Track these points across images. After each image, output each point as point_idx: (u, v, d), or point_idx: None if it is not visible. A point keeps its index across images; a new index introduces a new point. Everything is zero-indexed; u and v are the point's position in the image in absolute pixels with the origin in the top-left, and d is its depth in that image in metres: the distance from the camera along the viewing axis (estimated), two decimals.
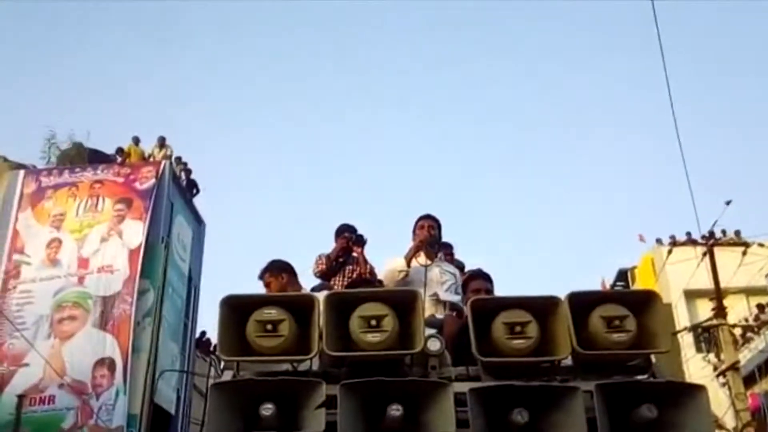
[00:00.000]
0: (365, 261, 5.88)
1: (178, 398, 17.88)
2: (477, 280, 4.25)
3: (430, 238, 5.04)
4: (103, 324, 16.32)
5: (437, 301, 4.73)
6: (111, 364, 15.92)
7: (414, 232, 5.17)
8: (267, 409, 2.55)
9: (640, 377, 2.89)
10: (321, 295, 2.94)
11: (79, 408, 15.49)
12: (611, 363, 2.89)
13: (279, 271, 4.85)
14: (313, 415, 2.60)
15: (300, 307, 2.81)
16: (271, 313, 2.74)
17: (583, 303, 2.85)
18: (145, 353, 16.37)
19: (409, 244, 5.09)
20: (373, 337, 2.75)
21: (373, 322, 2.76)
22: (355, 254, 5.97)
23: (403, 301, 2.87)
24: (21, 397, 14.61)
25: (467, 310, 2.93)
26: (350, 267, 6.03)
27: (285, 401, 2.62)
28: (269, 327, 2.72)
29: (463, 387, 2.69)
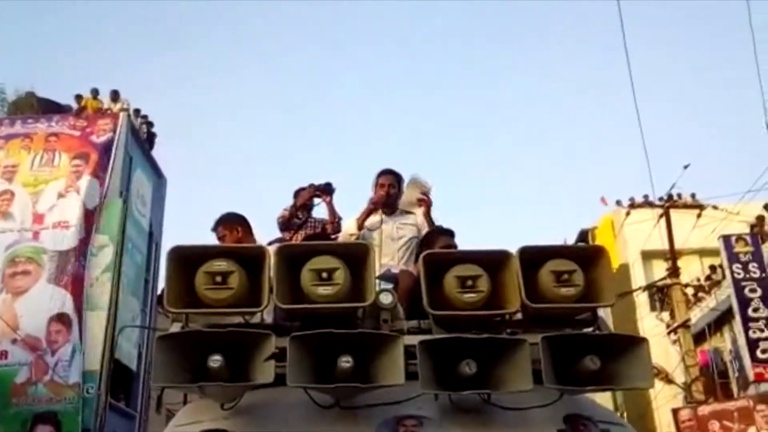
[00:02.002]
0: (333, 210, 5.82)
1: (139, 354, 17.82)
2: (439, 237, 4.26)
3: (386, 198, 5.03)
4: (57, 280, 16.09)
5: (392, 256, 4.74)
6: (66, 320, 15.76)
7: (374, 188, 5.16)
8: (215, 361, 2.54)
9: (586, 330, 2.93)
10: (272, 248, 2.92)
11: (33, 363, 15.34)
12: (559, 316, 2.92)
13: (233, 224, 4.78)
14: (263, 367, 2.59)
15: (250, 260, 2.78)
16: (221, 264, 2.71)
17: (533, 257, 2.87)
18: (104, 309, 16.23)
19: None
20: (324, 290, 2.74)
21: (324, 275, 2.75)
22: (324, 203, 5.90)
23: (354, 254, 2.86)
24: None
25: (420, 264, 2.93)
26: (311, 224, 5.99)
27: (234, 353, 2.61)
28: (218, 279, 2.69)
29: (414, 340, 2.70)
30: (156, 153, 19.99)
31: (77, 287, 16.00)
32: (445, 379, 2.67)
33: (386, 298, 2.93)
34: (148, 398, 17.70)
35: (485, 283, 2.82)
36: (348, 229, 4.98)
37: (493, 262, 2.87)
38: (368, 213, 5.00)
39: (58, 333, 15.64)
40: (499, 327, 2.89)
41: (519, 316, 2.95)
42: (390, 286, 3.93)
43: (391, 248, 4.81)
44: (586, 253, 2.94)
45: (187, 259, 2.76)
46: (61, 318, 15.79)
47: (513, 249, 2.87)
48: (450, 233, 4.31)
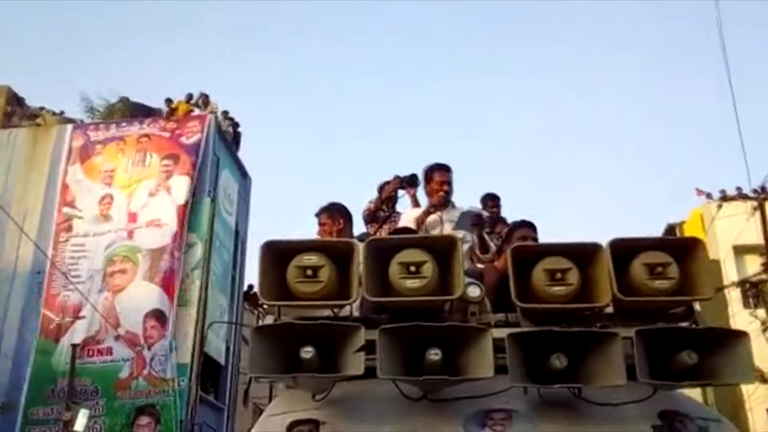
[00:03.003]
0: (418, 203, 5.81)
1: (227, 349, 18.38)
2: (521, 229, 4.22)
3: (445, 198, 5.03)
4: (152, 277, 16.76)
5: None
6: (161, 316, 16.42)
7: (426, 182, 5.15)
8: (307, 352, 2.60)
9: (681, 324, 2.85)
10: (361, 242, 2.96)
11: (134, 359, 16.06)
12: (653, 310, 2.85)
13: (339, 215, 4.85)
14: (353, 359, 2.64)
15: (340, 254, 2.83)
16: (311, 258, 2.77)
17: (625, 250, 2.80)
18: (194, 305, 16.81)
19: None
20: (412, 283, 2.76)
21: (413, 269, 2.77)
22: (408, 196, 5.93)
23: (442, 247, 2.87)
24: (75, 347, 15.18)
25: (508, 257, 2.91)
26: (396, 217, 6.02)
27: (325, 345, 2.66)
28: (309, 272, 2.75)
29: (502, 333, 2.69)
30: (241, 153, 20.55)
31: (170, 284, 16.63)
32: (535, 372, 2.65)
33: (474, 291, 2.93)
34: (236, 392, 18.24)
35: (575, 276, 2.78)
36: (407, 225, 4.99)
37: (582, 255, 2.83)
38: (428, 213, 5.00)
39: (153, 328, 16.32)
40: (589, 321, 2.84)
41: (610, 310, 2.89)
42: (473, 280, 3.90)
43: None
44: (681, 245, 2.86)
45: (279, 253, 2.83)
46: (156, 314, 16.47)
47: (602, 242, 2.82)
48: (531, 225, 4.26)
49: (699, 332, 2.71)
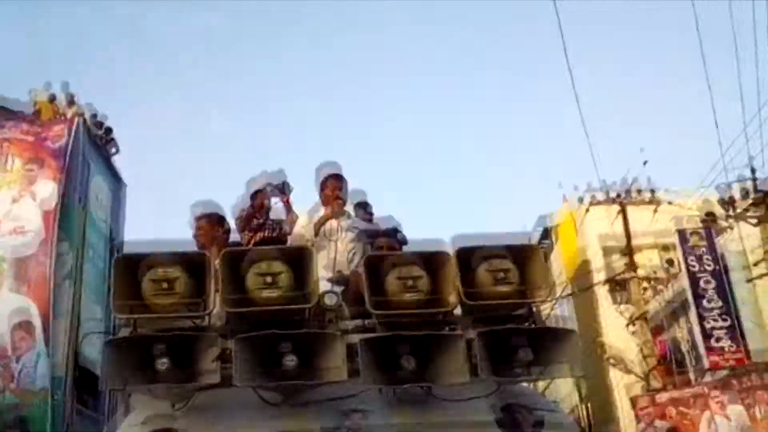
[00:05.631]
0: (291, 210, 5.82)
1: None
2: (380, 238, 4.38)
3: (342, 206, 5.18)
4: (19, 287, 15.88)
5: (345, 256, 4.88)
6: (29, 328, 15.57)
7: (321, 188, 5.27)
8: (162, 363, 2.63)
9: (524, 325, 3.07)
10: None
11: (0, 372, 15.15)
12: (497, 312, 3.06)
13: (217, 223, 4.90)
14: (210, 368, 2.69)
15: (195, 265, 2.87)
16: (166, 271, 2.79)
17: (471, 257, 3.00)
18: (67, 316, 16.07)
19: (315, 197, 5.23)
20: (268, 293, 2.84)
21: (269, 279, 2.85)
22: (281, 201, 5.96)
23: (298, 258, 2.97)
24: None
25: (362, 266, 3.04)
26: (270, 225, 6.05)
27: (181, 356, 2.70)
28: (164, 285, 2.78)
29: (356, 338, 2.82)
30: (116, 158, 19.80)
31: (41, 294, 15.80)
32: (387, 374, 2.79)
33: (330, 300, 3.04)
34: (115, 403, 17.58)
35: (425, 283, 2.95)
36: (304, 233, 5.08)
37: (432, 262, 3.00)
38: (325, 221, 5.12)
39: (22, 340, 15.43)
40: (440, 324, 3.02)
41: (460, 311, 3.09)
42: (341, 288, 4.02)
43: (340, 249, 4.92)
44: (521, 252, 3.07)
45: (133, 266, 2.84)
46: (24, 325, 15.59)
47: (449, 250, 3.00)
48: (391, 233, 4.43)
49: (534, 331, 2.93)
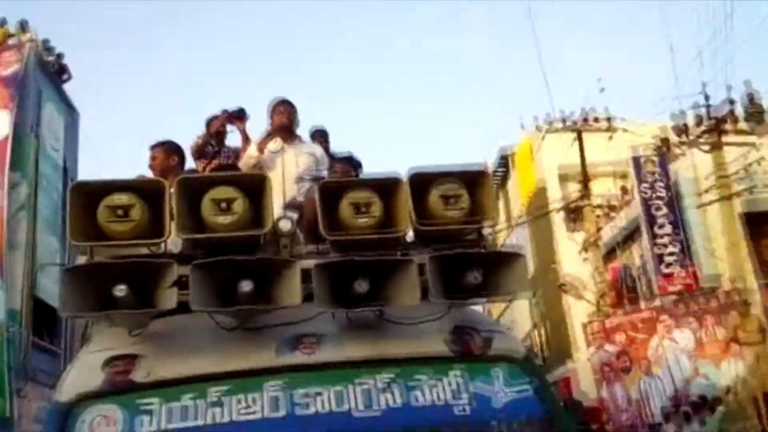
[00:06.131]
0: (247, 137, 5.74)
1: None
2: (337, 164, 4.42)
3: (287, 124, 5.14)
4: None
5: (297, 182, 4.90)
6: None
7: (270, 117, 5.25)
8: (120, 290, 2.67)
9: (473, 249, 3.17)
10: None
11: None
12: (448, 237, 3.13)
13: (172, 151, 4.90)
14: (166, 294, 2.74)
15: (151, 192, 2.88)
16: (122, 198, 2.80)
17: (422, 182, 3.05)
18: (22, 248, 15.88)
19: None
20: (223, 219, 2.87)
21: (224, 205, 2.87)
22: (237, 129, 5.91)
23: (253, 184, 3.00)
24: None
25: (316, 191, 3.09)
26: (225, 153, 6.01)
27: (139, 283, 2.74)
28: (120, 212, 2.78)
29: (311, 263, 2.89)
30: (69, 86, 19.22)
31: None
32: (341, 298, 2.88)
33: (285, 225, 3.09)
34: (73, 335, 17.60)
35: (378, 207, 3.00)
36: (248, 153, 5.08)
37: (385, 187, 3.05)
38: (269, 137, 5.11)
39: None
40: (393, 248, 3.09)
41: (412, 237, 3.17)
42: (295, 214, 4.08)
43: (292, 174, 4.94)
44: (471, 177, 3.13)
45: (89, 193, 2.84)
46: None
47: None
48: (347, 160, 4.47)
49: (484, 255, 3.03)
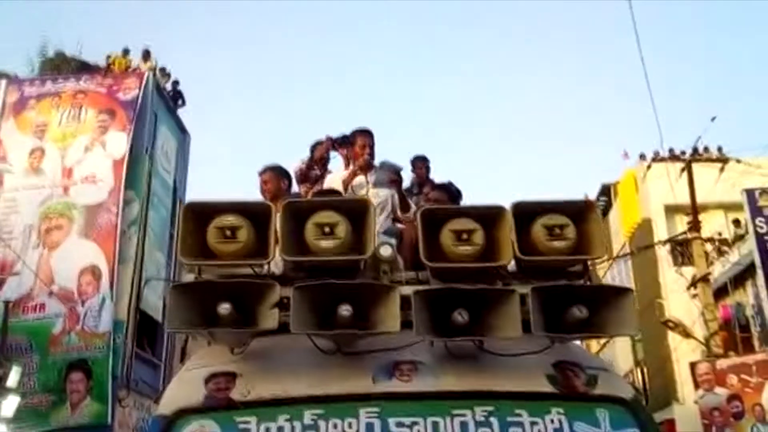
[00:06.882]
0: (349, 163, 5.88)
1: (165, 306, 18.28)
2: (435, 192, 4.40)
3: (371, 161, 5.21)
4: (88, 233, 16.54)
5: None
6: (96, 272, 16.26)
7: (350, 145, 5.33)
8: (224, 308, 2.73)
9: (577, 282, 3.07)
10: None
11: (66, 315, 15.92)
12: (552, 268, 3.06)
13: (283, 175, 5.06)
14: (268, 315, 2.78)
15: (258, 214, 2.95)
16: (230, 219, 2.88)
17: (526, 212, 2.99)
18: (131, 262, 16.70)
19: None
20: (326, 243, 2.90)
21: (327, 229, 2.90)
22: (340, 155, 6.04)
23: (355, 209, 3.02)
24: (8, 303, 14.96)
25: (418, 219, 3.07)
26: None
27: (242, 302, 2.80)
28: (228, 233, 2.86)
29: (410, 290, 2.87)
30: (183, 110, 20.23)
31: (108, 240, 16.45)
32: (439, 327, 2.84)
33: (386, 251, 3.09)
34: (173, 348, 18.26)
35: (480, 236, 2.96)
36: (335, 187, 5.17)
37: (487, 216, 3.00)
38: (354, 175, 5.18)
39: (88, 285, 16.17)
40: (493, 279, 3.04)
41: (514, 268, 3.10)
42: (393, 240, 4.08)
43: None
44: (577, 208, 3.05)
45: (200, 214, 2.93)
46: (91, 270, 16.30)
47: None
48: (445, 188, 4.44)
49: (589, 289, 2.93)
